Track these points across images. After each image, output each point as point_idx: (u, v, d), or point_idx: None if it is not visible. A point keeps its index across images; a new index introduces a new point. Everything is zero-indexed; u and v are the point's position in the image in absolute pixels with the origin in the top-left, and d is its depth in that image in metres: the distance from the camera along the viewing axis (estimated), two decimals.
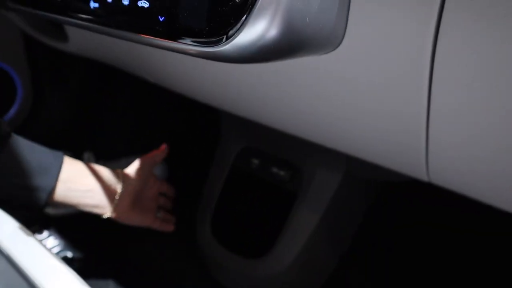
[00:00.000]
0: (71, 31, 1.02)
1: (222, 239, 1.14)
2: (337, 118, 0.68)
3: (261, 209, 1.12)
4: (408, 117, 0.57)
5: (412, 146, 0.61)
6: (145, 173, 0.91)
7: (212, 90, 0.86)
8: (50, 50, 1.20)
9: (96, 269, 1.07)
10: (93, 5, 0.43)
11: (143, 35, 0.41)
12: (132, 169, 0.90)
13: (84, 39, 1.03)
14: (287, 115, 0.77)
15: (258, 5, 0.34)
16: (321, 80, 0.63)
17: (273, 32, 0.34)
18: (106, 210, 0.85)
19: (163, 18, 0.38)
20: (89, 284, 0.53)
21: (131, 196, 0.87)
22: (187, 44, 0.38)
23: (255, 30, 0.34)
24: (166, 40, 0.39)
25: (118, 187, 0.86)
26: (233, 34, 0.35)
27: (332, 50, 0.40)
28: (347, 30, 0.41)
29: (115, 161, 1.34)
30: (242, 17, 0.34)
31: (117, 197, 0.85)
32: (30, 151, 0.77)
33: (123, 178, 0.87)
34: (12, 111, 1.35)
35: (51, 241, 1.13)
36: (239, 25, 0.34)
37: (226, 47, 0.35)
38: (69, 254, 1.11)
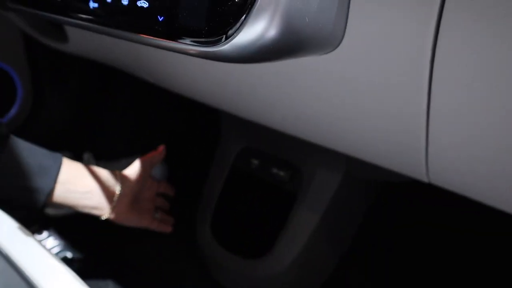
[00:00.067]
0: (71, 31, 1.02)
1: (222, 239, 1.13)
2: (336, 118, 0.68)
3: (261, 209, 1.12)
4: (407, 117, 0.57)
5: (412, 147, 0.60)
6: (143, 175, 0.91)
7: (212, 90, 0.86)
8: (50, 50, 1.20)
9: (96, 269, 1.07)
10: (92, 5, 0.43)
11: (142, 35, 0.41)
12: (130, 170, 0.90)
13: (84, 40, 1.03)
14: (287, 116, 0.77)
15: (257, 4, 0.34)
16: (321, 81, 0.63)
17: (272, 32, 0.34)
18: (104, 211, 0.85)
19: (162, 18, 0.38)
20: (89, 284, 0.53)
21: (129, 197, 0.88)
22: (186, 44, 0.38)
23: (255, 30, 0.34)
24: (166, 40, 0.39)
25: (117, 189, 0.86)
26: (233, 34, 0.35)
27: (332, 50, 0.40)
28: (347, 30, 0.41)
29: (115, 161, 1.34)
30: (241, 16, 0.34)
31: (115, 198, 0.85)
32: (29, 153, 0.77)
33: (121, 179, 0.87)
34: (12, 111, 1.35)
35: (51, 241, 1.13)
36: (238, 24, 0.34)
37: (226, 47, 0.35)
38: (69, 255, 1.11)
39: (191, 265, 1.20)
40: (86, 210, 0.84)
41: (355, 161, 0.78)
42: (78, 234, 1.15)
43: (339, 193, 1.04)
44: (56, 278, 0.53)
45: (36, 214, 1.10)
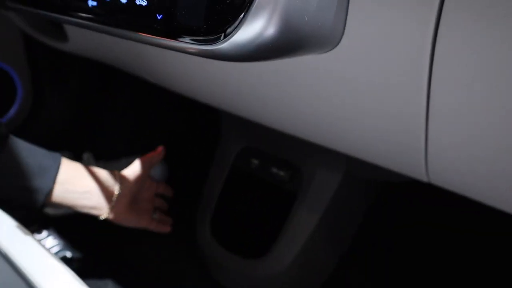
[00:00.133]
0: (71, 31, 1.02)
1: (222, 239, 1.13)
2: (336, 118, 0.68)
3: (261, 209, 1.12)
4: (407, 117, 0.57)
5: (412, 146, 0.60)
6: (142, 175, 0.91)
7: (212, 89, 0.86)
8: (50, 50, 1.20)
9: (95, 269, 1.07)
10: (91, 3, 0.43)
11: (141, 34, 0.41)
12: (129, 171, 0.90)
13: (83, 39, 1.03)
14: (287, 115, 0.77)
15: (256, 3, 0.33)
16: (321, 80, 0.63)
17: (271, 30, 0.34)
18: (103, 211, 0.85)
19: (161, 16, 0.38)
20: (88, 284, 0.53)
21: (128, 197, 0.88)
22: (185, 42, 0.38)
23: (253, 28, 0.34)
24: (164, 38, 0.39)
25: (116, 189, 0.86)
26: (231, 32, 0.35)
27: (331, 49, 0.40)
28: (346, 30, 0.41)
29: (115, 161, 1.34)
30: (240, 15, 0.34)
31: (114, 198, 0.85)
32: (28, 153, 0.77)
33: (120, 179, 0.87)
34: (12, 111, 1.35)
35: (50, 241, 1.13)
36: (237, 23, 0.34)
37: (224, 45, 0.35)
38: (68, 254, 1.11)
39: (191, 265, 1.20)
40: (85, 210, 0.84)
41: (355, 161, 0.78)
42: (78, 234, 1.15)
43: (339, 193, 1.04)
44: (55, 278, 0.52)
45: (35, 214, 1.10)
